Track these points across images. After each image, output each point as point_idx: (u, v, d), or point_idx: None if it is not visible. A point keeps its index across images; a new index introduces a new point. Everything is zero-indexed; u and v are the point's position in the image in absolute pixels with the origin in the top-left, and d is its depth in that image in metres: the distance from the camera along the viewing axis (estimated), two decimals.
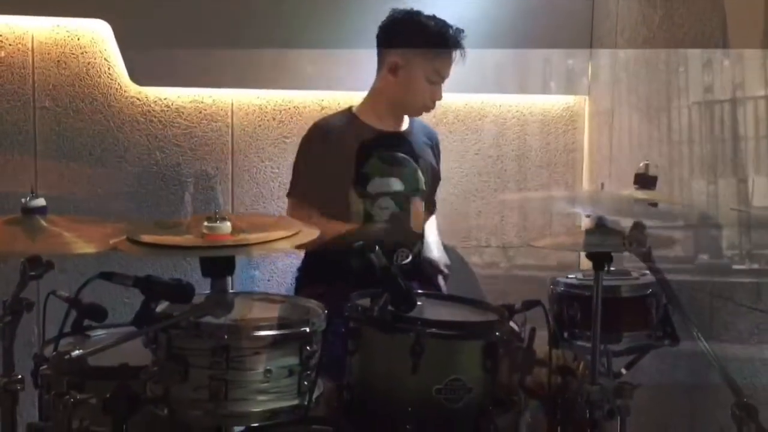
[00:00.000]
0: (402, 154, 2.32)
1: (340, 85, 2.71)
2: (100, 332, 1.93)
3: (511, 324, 1.68)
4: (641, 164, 1.52)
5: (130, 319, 1.50)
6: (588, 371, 2.08)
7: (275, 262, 2.92)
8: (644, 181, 1.49)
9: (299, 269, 2.45)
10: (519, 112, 3.06)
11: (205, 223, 1.34)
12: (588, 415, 1.86)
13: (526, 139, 3.06)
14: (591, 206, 1.90)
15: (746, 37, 1.99)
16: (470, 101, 3.00)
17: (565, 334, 2.18)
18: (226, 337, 1.48)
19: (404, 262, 2.28)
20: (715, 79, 2.27)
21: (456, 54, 2.29)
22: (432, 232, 2.43)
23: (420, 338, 1.43)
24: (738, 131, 2.18)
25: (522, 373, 1.51)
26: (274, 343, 1.53)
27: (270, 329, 1.53)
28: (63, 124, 2.76)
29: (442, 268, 2.25)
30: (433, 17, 2.31)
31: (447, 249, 2.52)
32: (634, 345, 2.22)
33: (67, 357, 1.47)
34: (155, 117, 2.82)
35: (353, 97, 2.51)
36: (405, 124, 2.41)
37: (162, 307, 1.57)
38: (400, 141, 2.35)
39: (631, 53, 2.72)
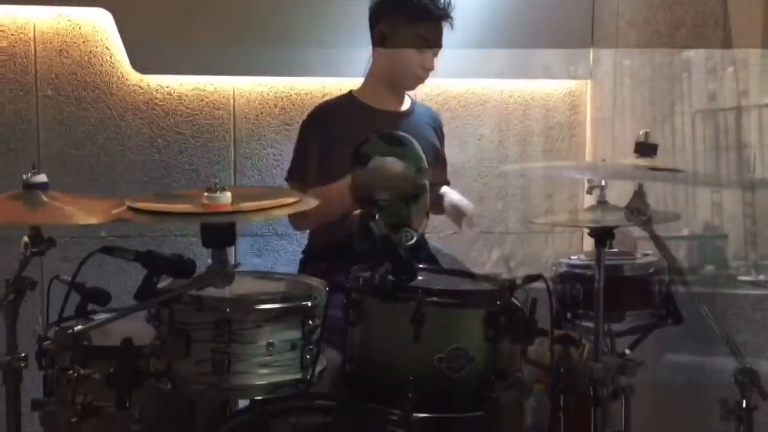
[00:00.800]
0: (402, 133, 2.31)
1: (343, 71, 2.71)
2: (103, 316, 1.94)
3: (513, 300, 1.68)
4: (641, 132, 1.51)
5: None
6: (592, 352, 2.09)
7: (278, 249, 2.93)
8: (645, 148, 1.48)
9: (304, 251, 2.45)
10: (521, 97, 3.06)
11: (206, 194, 1.35)
12: (591, 393, 1.86)
13: (528, 124, 3.06)
14: (592, 174, 1.88)
15: (747, 21, 1.99)
16: (471, 87, 3.00)
17: (568, 315, 2.18)
18: (228, 310, 1.48)
19: (408, 243, 2.27)
20: (718, 72, 2.27)
21: (445, 22, 2.30)
22: (449, 189, 2.43)
23: (421, 306, 1.43)
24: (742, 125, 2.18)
25: (524, 343, 1.51)
26: (276, 316, 1.53)
27: (272, 302, 1.54)
28: (65, 113, 2.77)
29: (469, 211, 2.26)
30: None
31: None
32: (637, 324, 2.22)
33: (69, 332, 1.48)
34: (157, 105, 2.83)
35: (356, 84, 2.51)
36: (406, 105, 2.42)
37: (164, 283, 1.57)
38: (400, 120, 2.35)
39: (632, 34, 2.72)
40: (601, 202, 1.98)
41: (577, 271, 2.22)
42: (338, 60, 2.80)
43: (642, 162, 1.53)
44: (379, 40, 2.32)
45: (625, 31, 2.78)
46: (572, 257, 2.35)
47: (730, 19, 2.09)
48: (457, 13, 2.40)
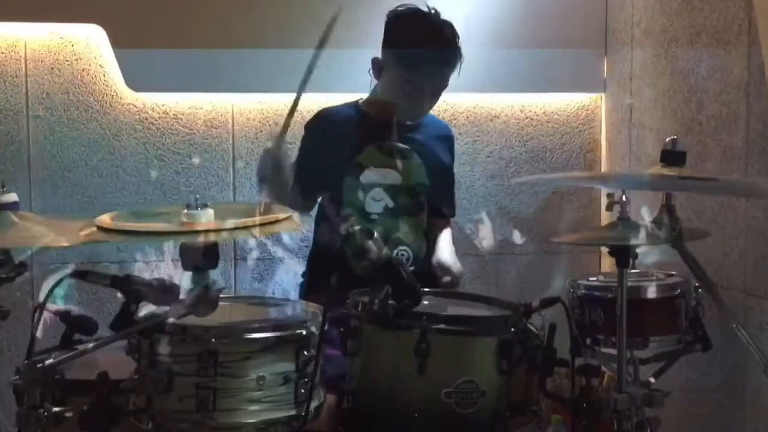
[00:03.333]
0: (404, 146, 2.19)
1: (346, 86, 2.57)
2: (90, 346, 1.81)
3: (529, 326, 1.53)
4: (668, 139, 1.37)
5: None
6: (614, 381, 1.94)
7: (280, 274, 2.79)
8: (672, 156, 1.34)
9: (303, 274, 2.32)
10: (532, 112, 2.92)
11: (185, 211, 1.22)
12: (615, 427, 1.71)
13: (541, 140, 2.92)
14: (613, 184, 1.74)
15: None
16: (480, 101, 2.88)
17: (588, 341, 2.03)
18: (213, 340, 1.34)
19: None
20: (737, 67, 2.13)
21: (449, 69, 2.16)
22: (446, 237, 2.28)
23: (426, 335, 1.28)
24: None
25: (542, 375, 1.36)
26: (268, 347, 1.39)
27: (263, 331, 1.40)
28: (57, 133, 2.66)
29: (454, 270, 2.10)
30: (433, 22, 2.16)
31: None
32: (662, 351, 2.07)
33: (40, 365, 1.35)
34: (153, 124, 2.72)
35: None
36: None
37: (146, 311, 1.44)
38: (406, 134, 2.22)
39: (649, 44, 2.59)
40: (623, 219, 1.84)
41: (597, 293, 2.08)
42: (342, 76, 2.68)
43: (669, 172, 1.38)
44: (375, 67, 2.19)
45: (641, 40, 2.65)
46: (590, 278, 2.21)
47: (756, 23, 1.95)
48: (463, 25, 2.28)
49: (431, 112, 2.36)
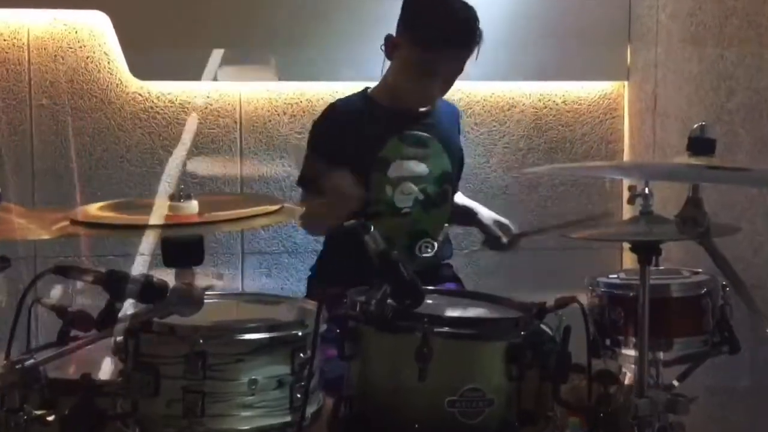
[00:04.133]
0: (426, 134, 2.09)
1: (358, 74, 2.47)
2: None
3: (543, 327, 1.42)
4: (695, 126, 1.26)
5: None
6: (634, 383, 1.83)
7: (288, 268, 2.71)
8: (700, 145, 1.23)
9: (311, 268, 2.23)
10: (551, 101, 2.81)
11: (168, 203, 1.13)
12: None
13: (560, 131, 2.80)
14: (636, 174, 1.63)
15: None
16: (497, 90, 2.76)
17: (607, 341, 1.92)
18: (201, 341, 1.25)
19: (426, 255, 2.06)
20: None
21: (466, 52, 2.02)
22: (466, 200, 2.24)
23: (428, 338, 1.18)
24: None
25: (555, 381, 1.26)
26: (261, 348, 1.30)
27: (256, 332, 1.31)
28: (61, 122, 2.59)
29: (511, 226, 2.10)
30: (454, 2, 2.04)
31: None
32: (687, 353, 1.95)
33: (18, 366, 1.27)
34: (158, 114, 2.64)
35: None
36: None
37: (133, 309, 1.36)
38: (420, 121, 2.11)
39: (675, 29, 2.46)
40: (645, 213, 1.73)
41: (617, 291, 1.96)
42: (352, 62, 2.58)
43: (696, 161, 1.27)
44: (389, 46, 2.07)
45: (667, 25, 2.52)
46: (611, 276, 2.10)
47: None
48: (481, 10, 2.17)
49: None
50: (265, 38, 2.61)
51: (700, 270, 2.00)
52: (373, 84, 2.19)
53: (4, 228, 1.25)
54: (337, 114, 2.13)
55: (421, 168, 2.07)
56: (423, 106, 2.09)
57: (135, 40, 2.56)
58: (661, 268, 2.02)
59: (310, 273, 2.22)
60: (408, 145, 2.07)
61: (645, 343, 1.72)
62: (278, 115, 2.69)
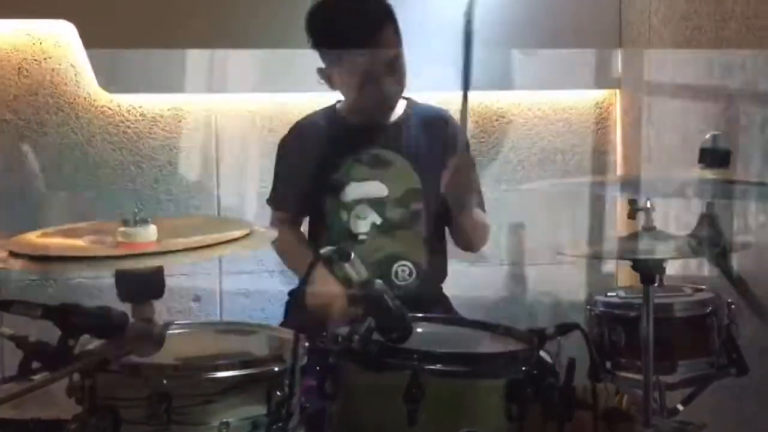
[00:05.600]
0: (386, 151, 1.94)
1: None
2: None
3: (542, 354, 1.30)
4: (708, 136, 1.15)
5: None
6: (634, 408, 1.72)
7: (268, 288, 2.57)
8: (713, 156, 1.12)
9: (290, 293, 2.10)
10: (541, 111, 2.70)
11: (120, 229, 1.00)
12: None
13: (551, 141, 2.70)
14: (644, 187, 1.52)
15: None
16: (485, 99, 2.65)
17: (608, 364, 1.81)
18: (165, 381, 1.12)
19: (405, 283, 1.92)
20: None
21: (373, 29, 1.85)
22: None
23: (418, 377, 1.05)
24: None
25: (560, 420, 1.13)
26: (233, 387, 1.17)
27: (227, 369, 1.18)
28: (26, 138, 2.46)
29: None
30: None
31: None
32: (692, 376, 1.84)
33: None
34: (129, 128, 2.51)
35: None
36: (397, 114, 2.02)
37: (93, 345, 1.22)
38: (386, 135, 1.97)
39: (668, 35, 2.36)
40: (648, 229, 1.62)
41: (617, 311, 1.86)
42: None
43: (710, 174, 1.16)
44: (324, 76, 1.98)
45: (659, 29, 2.42)
46: (609, 294, 1.99)
47: None
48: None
49: (418, 100, 2.10)
50: (242, 48, 2.49)
51: (703, 286, 1.90)
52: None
53: None
54: (298, 133, 2.03)
55: (378, 189, 1.93)
56: (387, 105, 1.95)
57: (103, 51, 2.43)
58: (663, 285, 1.92)
59: (288, 297, 2.09)
60: (365, 165, 1.93)
61: (650, 369, 1.61)
62: (256, 128, 2.56)
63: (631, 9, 2.57)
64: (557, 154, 2.71)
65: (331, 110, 2.03)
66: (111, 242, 0.99)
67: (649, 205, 1.59)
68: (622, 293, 1.99)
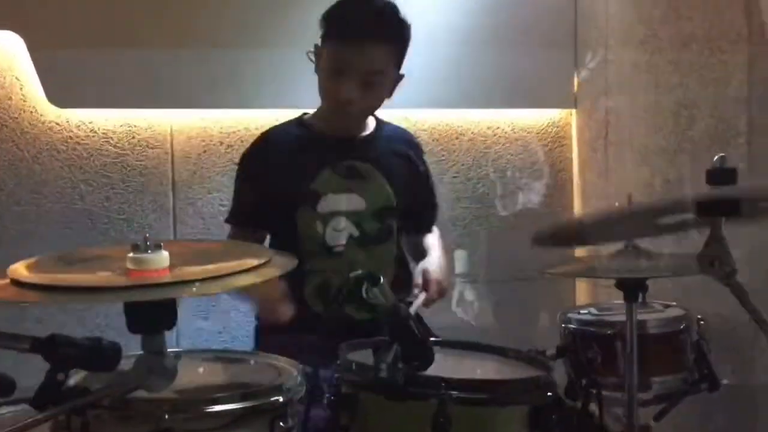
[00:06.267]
0: (362, 164, 1.91)
1: (302, 101, 2.30)
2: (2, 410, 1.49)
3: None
4: (715, 158, 1.17)
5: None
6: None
7: (228, 310, 2.48)
8: (721, 176, 1.14)
9: (257, 316, 2.02)
10: (500, 129, 2.72)
11: (131, 254, 0.93)
12: None
13: (510, 159, 2.72)
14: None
15: None
16: (445, 118, 2.66)
17: (583, 382, 1.81)
18: (167, 416, 1.05)
19: (374, 300, 1.87)
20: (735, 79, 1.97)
21: (380, 47, 1.83)
22: (435, 245, 2.01)
23: (445, 406, 1.02)
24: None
25: None
26: (235, 420, 1.11)
27: (228, 402, 1.11)
28: None
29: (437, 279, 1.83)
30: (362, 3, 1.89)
31: None
32: (665, 392, 1.87)
33: None
34: (79, 144, 2.39)
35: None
36: (368, 129, 1.99)
37: (76, 378, 1.14)
38: (359, 149, 1.94)
39: (626, 56, 2.42)
40: (630, 246, 1.63)
41: (592, 329, 1.87)
42: (295, 89, 2.41)
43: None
44: (316, 57, 1.90)
45: (617, 50, 2.48)
46: (581, 311, 2.01)
47: (763, 30, 1.79)
48: (429, 36, 2.04)
49: (387, 119, 2.09)
50: (198, 63, 2.41)
51: (673, 303, 1.93)
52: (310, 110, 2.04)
53: None
54: (267, 143, 1.96)
55: (356, 202, 1.89)
56: (345, 112, 1.90)
57: (52, 64, 2.32)
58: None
59: (256, 321, 2.02)
60: (342, 176, 1.89)
61: (634, 385, 1.62)
62: (214, 145, 2.48)
63: (587, 31, 2.62)
64: (516, 172, 2.73)
65: (298, 122, 1.98)
66: (120, 269, 0.92)
67: None
68: (593, 310, 2.02)
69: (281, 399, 1.14)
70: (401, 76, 1.90)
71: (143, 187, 2.43)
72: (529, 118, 2.74)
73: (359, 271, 1.07)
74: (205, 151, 2.48)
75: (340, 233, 1.86)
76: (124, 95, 2.38)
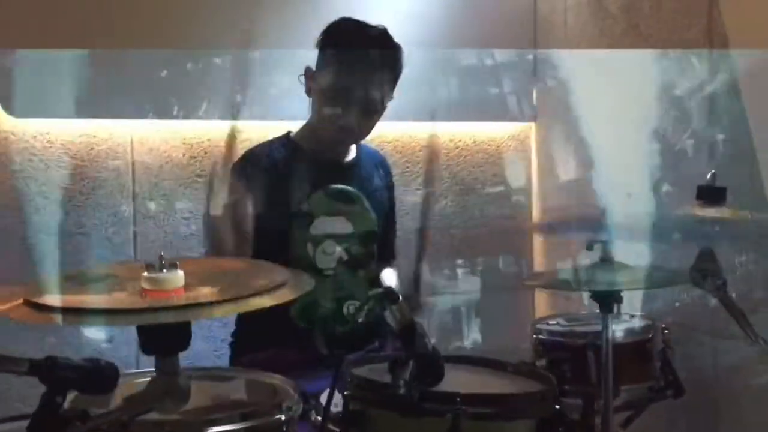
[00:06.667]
0: (350, 189, 1.92)
1: (269, 112, 2.29)
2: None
3: None
4: (708, 175, 1.22)
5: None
6: None
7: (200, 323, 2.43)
8: (710, 194, 1.18)
9: (234, 333, 1.99)
10: (462, 141, 2.76)
11: (145, 274, 0.90)
12: None
13: (471, 171, 2.76)
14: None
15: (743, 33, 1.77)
16: (409, 130, 2.68)
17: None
18: None
19: (351, 320, 1.88)
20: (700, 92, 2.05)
21: (384, 73, 1.88)
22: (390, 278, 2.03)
23: (458, 421, 1.02)
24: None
25: None
26: None
27: (230, 422, 1.09)
28: None
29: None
30: (367, 25, 1.91)
31: None
32: (632, 399, 1.92)
33: None
34: (35, 155, 2.31)
35: (284, 129, 2.10)
36: (351, 154, 2.01)
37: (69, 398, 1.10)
38: (347, 173, 1.95)
39: (588, 71, 2.48)
40: (606, 260, 1.68)
41: (563, 339, 1.91)
42: (261, 100, 2.39)
43: (708, 212, 1.22)
44: (307, 80, 1.91)
45: (578, 66, 2.54)
46: (550, 322, 2.05)
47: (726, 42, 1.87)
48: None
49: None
50: (160, 72, 2.36)
51: (638, 313, 1.99)
52: (284, 123, 2.01)
53: None
54: (257, 160, 1.92)
55: (345, 226, 1.89)
56: (342, 140, 1.92)
57: (8, 72, 2.23)
58: (596, 312, 2.00)
59: (232, 339, 1.98)
60: (333, 200, 1.89)
61: (610, 395, 1.66)
62: (176, 156, 2.44)
63: (547, 46, 2.69)
64: (477, 184, 2.77)
65: (285, 140, 1.96)
66: (133, 289, 0.89)
67: (607, 238, 1.65)
68: (562, 321, 2.07)
69: (283, 417, 1.12)
70: (391, 97, 1.92)
71: (103, 199, 2.37)
72: (490, 131, 2.79)
73: (379, 289, 1.07)
74: (167, 163, 2.43)
75: (330, 256, 1.86)
76: (83, 105, 2.31)
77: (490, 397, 1.12)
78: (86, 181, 2.35)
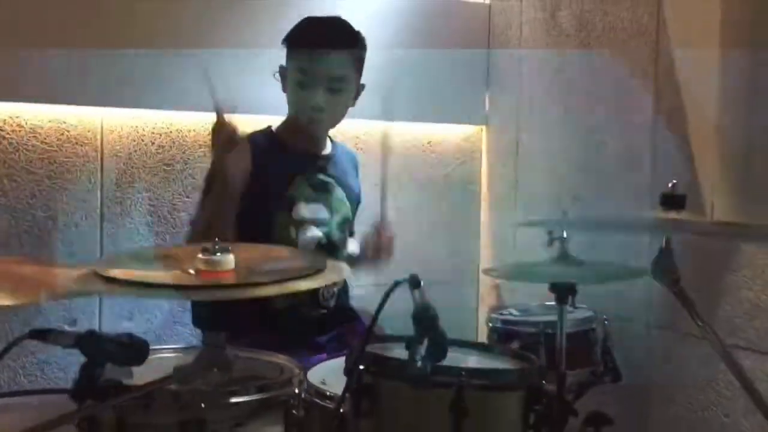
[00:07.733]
0: (329, 179, 2.09)
1: (243, 106, 2.36)
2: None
3: None
4: (669, 184, 1.40)
5: None
6: None
7: (152, 310, 2.49)
8: (672, 201, 1.37)
9: (194, 320, 2.07)
10: (418, 141, 2.91)
11: (200, 256, 1.01)
12: None
13: (426, 171, 2.91)
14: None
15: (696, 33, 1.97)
16: (371, 128, 2.80)
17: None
18: (203, 405, 1.13)
19: (326, 303, 2.03)
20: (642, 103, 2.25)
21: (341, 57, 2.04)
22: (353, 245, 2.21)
23: (463, 392, 1.17)
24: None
25: (558, 428, 1.30)
26: (254, 410, 1.20)
27: (249, 393, 1.21)
28: None
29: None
30: (326, 17, 2.09)
31: None
32: (576, 384, 2.11)
33: None
34: (4, 138, 2.32)
35: (260, 123, 2.20)
36: (328, 148, 2.18)
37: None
38: (324, 165, 2.13)
39: (538, 79, 2.67)
40: (564, 256, 1.86)
41: (516, 328, 2.10)
42: (230, 92, 2.45)
43: (669, 215, 1.41)
44: (282, 77, 2.09)
45: (528, 73, 2.74)
46: (503, 312, 2.23)
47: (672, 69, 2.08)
48: None
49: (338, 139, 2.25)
50: (132, 60, 2.39)
51: (582, 305, 2.19)
52: (252, 117, 2.15)
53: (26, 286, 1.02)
54: (253, 143, 2.04)
55: (323, 213, 2.07)
56: (315, 120, 2.05)
57: None
58: (542, 304, 2.19)
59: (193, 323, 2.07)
60: (313, 187, 2.06)
61: (564, 380, 1.83)
62: (145, 144, 2.49)
63: (500, 51, 2.85)
64: (431, 184, 2.92)
65: (268, 133, 2.09)
66: (188, 267, 0.99)
67: (565, 235, 1.83)
68: (514, 311, 2.25)
69: (296, 389, 1.24)
70: (362, 86, 2.06)
71: (70, 184, 2.39)
72: (443, 132, 2.95)
73: (405, 278, 1.20)
74: (135, 151, 2.47)
75: (310, 240, 2.00)
76: (53, 90, 2.33)
77: (490, 372, 1.27)
78: (54, 166, 2.37)
